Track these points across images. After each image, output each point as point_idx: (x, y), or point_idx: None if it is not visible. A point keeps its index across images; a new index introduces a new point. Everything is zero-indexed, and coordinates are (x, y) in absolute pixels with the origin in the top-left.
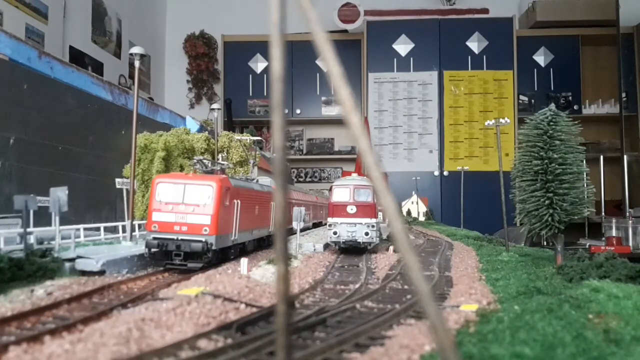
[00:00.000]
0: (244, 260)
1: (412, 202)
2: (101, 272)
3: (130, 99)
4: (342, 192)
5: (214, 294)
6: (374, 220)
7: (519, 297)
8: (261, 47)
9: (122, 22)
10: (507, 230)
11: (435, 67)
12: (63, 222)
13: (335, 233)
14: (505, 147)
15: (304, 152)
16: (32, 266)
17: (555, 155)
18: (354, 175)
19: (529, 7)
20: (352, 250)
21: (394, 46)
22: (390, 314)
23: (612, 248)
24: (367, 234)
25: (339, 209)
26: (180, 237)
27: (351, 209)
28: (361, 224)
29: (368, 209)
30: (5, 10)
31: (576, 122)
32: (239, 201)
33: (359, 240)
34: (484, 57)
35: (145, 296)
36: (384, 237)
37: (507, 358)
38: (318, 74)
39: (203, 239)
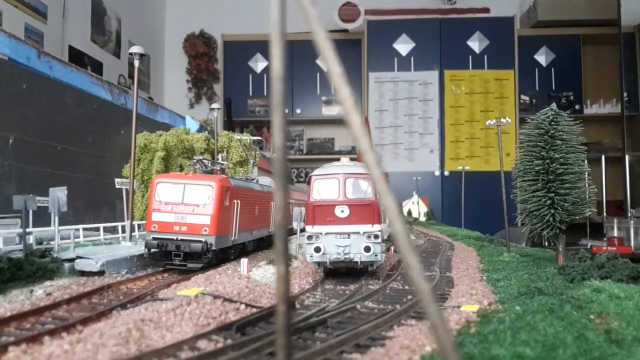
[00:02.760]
0: (243, 261)
1: (413, 202)
2: (100, 273)
3: (129, 99)
4: (326, 185)
5: (214, 295)
6: (377, 228)
7: (520, 298)
8: (261, 46)
9: (121, 22)
10: (509, 231)
11: (436, 66)
12: (62, 222)
13: (317, 250)
14: (507, 147)
15: (304, 152)
16: (32, 266)
17: (557, 155)
18: (344, 159)
19: (530, 7)
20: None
21: (395, 46)
22: (391, 314)
23: (614, 248)
24: (368, 249)
25: (323, 212)
26: (179, 237)
27: (342, 212)
28: (358, 233)
29: (367, 211)
30: (4, 9)
31: (577, 122)
32: (238, 201)
33: (355, 260)
34: (485, 56)
35: (145, 297)
36: (385, 237)
37: (508, 359)
38: (318, 74)
39: (203, 239)
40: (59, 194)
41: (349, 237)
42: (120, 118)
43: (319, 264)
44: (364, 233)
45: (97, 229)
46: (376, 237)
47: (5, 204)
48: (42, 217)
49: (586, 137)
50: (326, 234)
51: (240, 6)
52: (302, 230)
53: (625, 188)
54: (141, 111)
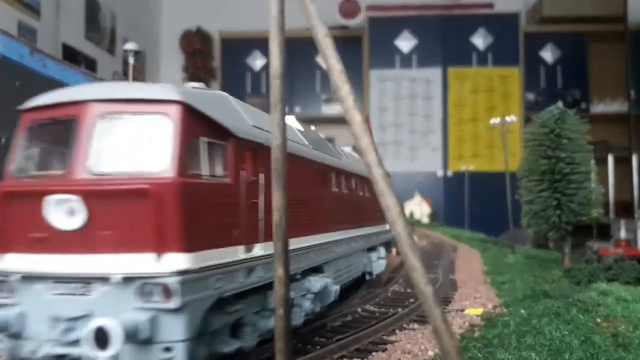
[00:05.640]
0: None
1: (415, 204)
2: None
3: None
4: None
5: None
6: (178, 262)
7: (525, 301)
8: (259, 43)
9: (116, 18)
10: (514, 232)
11: (439, 64)
12: None
13: None
14: (511, 146)
15: None
16: None
17: (563, 154)
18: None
19: (535, 2)
20: None
21: (397, 42)
22: (393, 318)
23: (621, 250)
24: (101, 340)
25: (18, 215)
26: None
27: (69, 213)
28: (105, 280)
29: (145, 211)
30: None
31: (584, 120)
32: None
33: None
34: (489, 53)
35: None
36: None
37: None
38: (318, 72)
39: None
40: None
41: (88, 292)
42: None
43: None
44: (126, 280)
45: None
46: (167, 292)
47: None
48: None
49: (593, 137)
50: (24, 279)
51: (238, 2)
52: None
53: (633, 188)
54: None
